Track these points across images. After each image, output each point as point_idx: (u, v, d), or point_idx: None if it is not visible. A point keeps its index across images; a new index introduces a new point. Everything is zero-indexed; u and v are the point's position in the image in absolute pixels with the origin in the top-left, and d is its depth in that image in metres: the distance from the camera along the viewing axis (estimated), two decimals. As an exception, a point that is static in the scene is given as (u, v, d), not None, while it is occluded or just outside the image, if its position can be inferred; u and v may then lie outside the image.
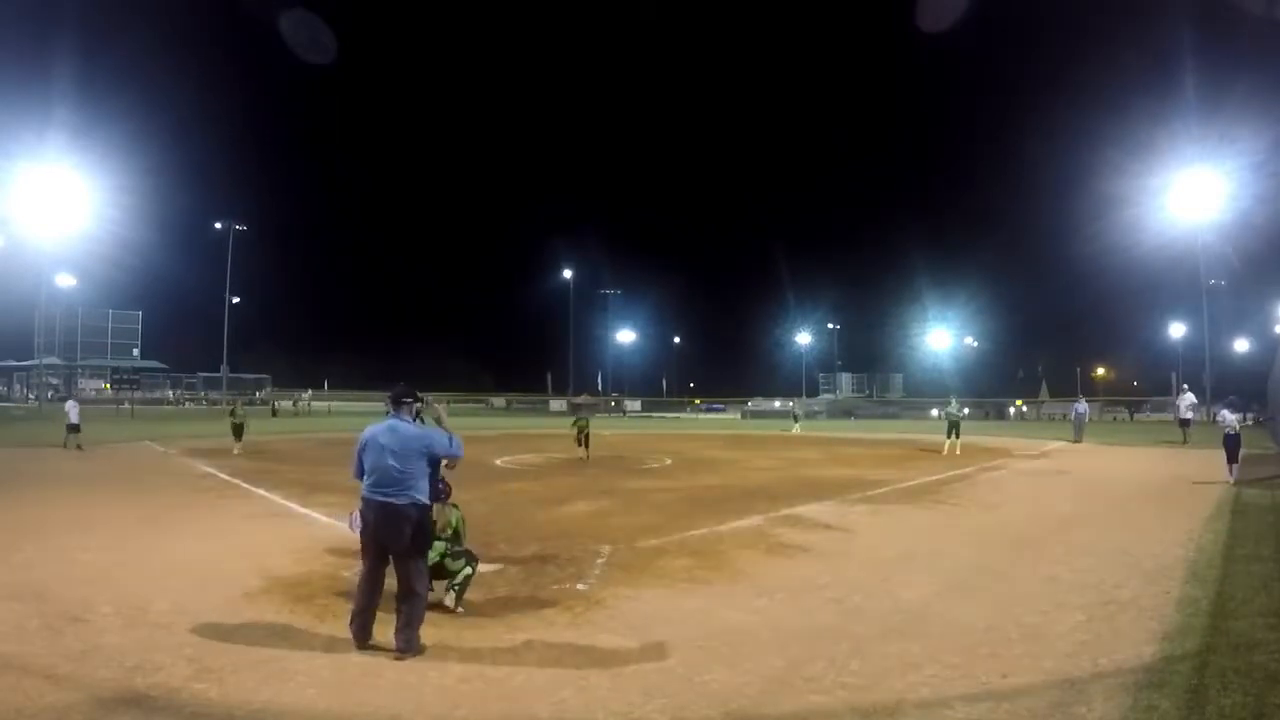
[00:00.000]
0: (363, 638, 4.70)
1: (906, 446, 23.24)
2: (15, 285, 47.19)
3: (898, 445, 24.09)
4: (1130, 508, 10.58)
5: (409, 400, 4.96)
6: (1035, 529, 9.03)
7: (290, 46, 53.63)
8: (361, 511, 4.74)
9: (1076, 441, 24.03)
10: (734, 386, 79.49)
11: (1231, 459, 12.99)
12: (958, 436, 20.58)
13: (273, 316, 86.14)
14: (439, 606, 5.35)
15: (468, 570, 5.55)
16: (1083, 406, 26.47)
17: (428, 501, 4.78)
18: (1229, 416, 13.82)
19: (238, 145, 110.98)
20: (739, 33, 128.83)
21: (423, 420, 5.19)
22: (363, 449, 4.81)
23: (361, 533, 4.76)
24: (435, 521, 5.30)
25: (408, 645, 4.54)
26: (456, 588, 5.49)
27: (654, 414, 61.27)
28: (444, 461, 5.01)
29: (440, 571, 5.37)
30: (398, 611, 4.60)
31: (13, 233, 41.33)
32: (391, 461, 4.67)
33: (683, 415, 59.24)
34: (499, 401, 70.28)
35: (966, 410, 21.50)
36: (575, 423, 19.52)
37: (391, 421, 4.84)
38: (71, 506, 10.33)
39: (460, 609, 5.44)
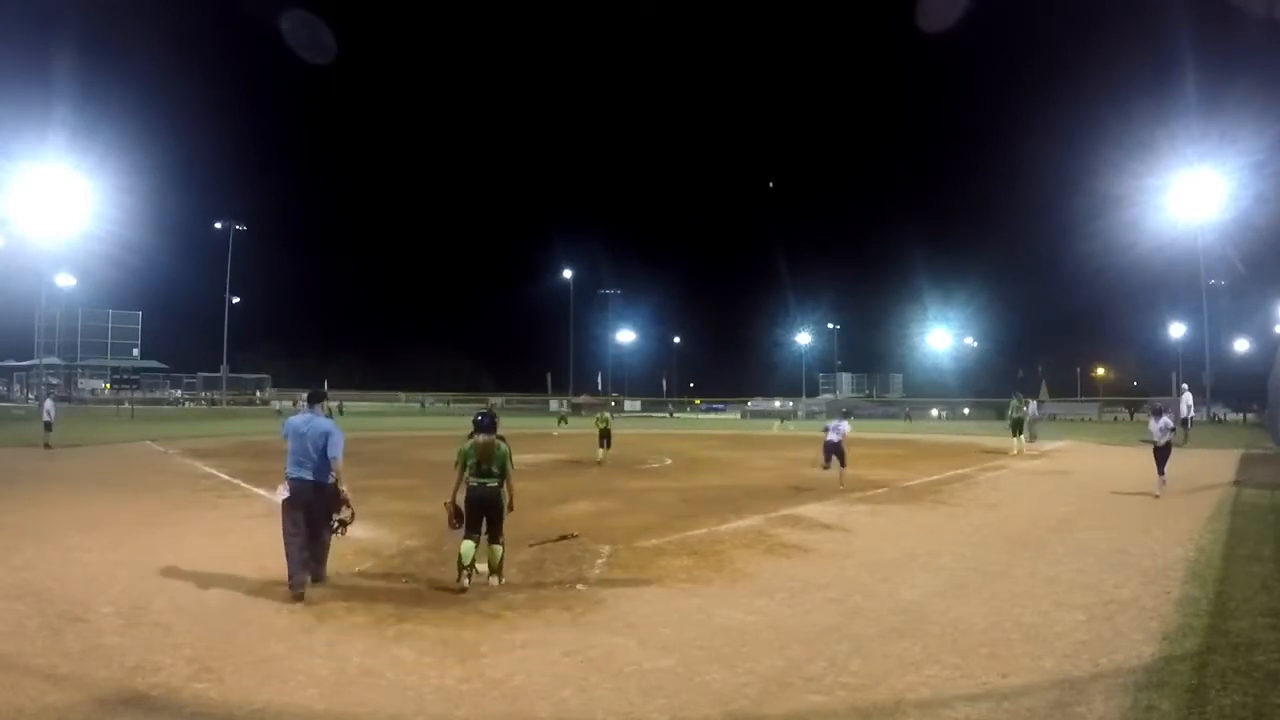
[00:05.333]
0: (302, 580, 5.82)
1: (906, 446, 23.24)
2: (15, 285, 47.25)
3: (898, 445, 24.08)
4: (1130, 508, 10.57)
5: (321, 400, 6.58)
6: (1035, 529, 9.02)
7: (290, 46, 53.62)
8: (289, 485, 5.98)
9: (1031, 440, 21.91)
10: (734, 386, 79.59)
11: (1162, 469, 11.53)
12: (1021, 434, 19.64)
13: (273, 316, 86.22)
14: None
15: (499, 550, 6.26)
16: (1033, 407, 24.50)
17: (327, 481, 6.05)
18: (1160, 423, 11.80)
19: (238, 146, 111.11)
20: (740, 33, 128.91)
21: (330, 414, 6.52)
22: (286, 435, 6.16)
23: (287, 500, 5.94)
24: (474, 451, 6.19)
25: (317, 576, 6.06)
26: (497, 566, 6.25)
27: (654, 414, 61.29)
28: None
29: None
30: (312, 554, 6.02)
31: (13, 233, 41.34)
32: (307, 446, 6.01)
33: (679, 415, 59.07)
34: (499, 401, 70.34)
35: (1030, 406, 19.84)
36: (596, 421, 18.71)
37: (307, 414, 6.26)
38: (71, 506, 10.32)
39: (500, 580, 6.22)
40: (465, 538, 6.05)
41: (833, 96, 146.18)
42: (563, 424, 17.60)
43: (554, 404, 63.31)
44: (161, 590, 5.99)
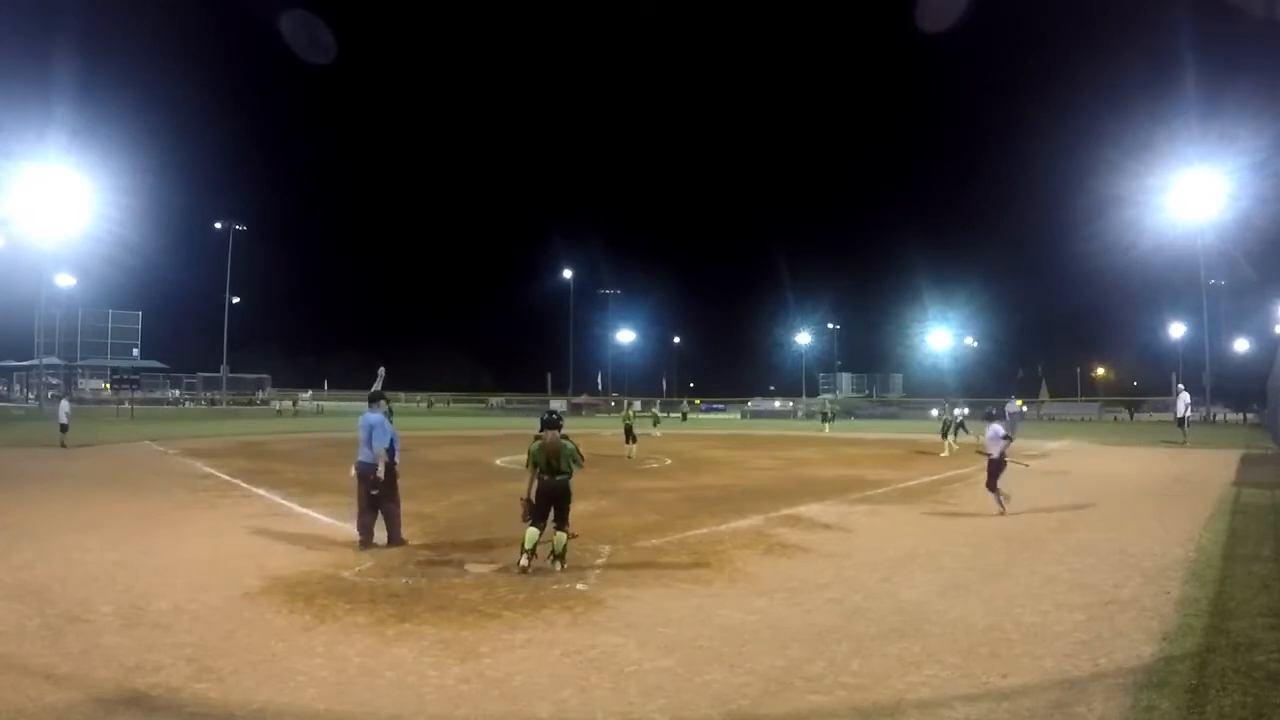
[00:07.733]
0: (367, 538, 7.58)
1: (906, 446, 23.22)
2: (15, 285, 47.19)
3: (898, 445, 24.08)
4: (1130, 508, 10.56)
5: (379, 400, 8.12)
6: (1035, 529, 9.01)
7: (290, 46, 53.62)
8: (356, 465, 7.73)
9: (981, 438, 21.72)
10: (734, 386, 79.68)
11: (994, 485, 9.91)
12: (954, 437, 20.25)
13: (273, 316, 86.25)
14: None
15: (563, 537, 6.74)
16: (1014, 406, 23.97)
17: (379, 460, 7.60)
18: (991, 431, 10.32)
19: (238, 146, 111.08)
20: (740, 33, 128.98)
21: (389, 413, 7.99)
22: (360, 428, 7.78)
23: (356, 476, 7.69)
24: (542, 451, 6.71)
25: (394, 538, 7.66)
26: (560, 552, 6.71)
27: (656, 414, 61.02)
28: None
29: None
30: (386, 521, 7.72)
31: (13, 233, 41.28)
32: (365, 436, 7.68)
33: (695, 417, 58.51)
34: (498, 401, 70.28)
35: (961, 413, 20.44)
36: (624, 418, 19.28)
37: (368, 413, 7.85)
38: (71, 506, 10.32)
39: (563, 566, 6.69)
40: (531, 525, 6.61)
41: (833, 96, 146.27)
42: (656, 425, 18.95)
43: (554, 404, 63.19)
44: (161, 590, 5.98)
